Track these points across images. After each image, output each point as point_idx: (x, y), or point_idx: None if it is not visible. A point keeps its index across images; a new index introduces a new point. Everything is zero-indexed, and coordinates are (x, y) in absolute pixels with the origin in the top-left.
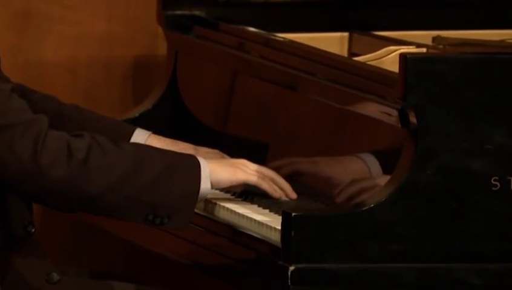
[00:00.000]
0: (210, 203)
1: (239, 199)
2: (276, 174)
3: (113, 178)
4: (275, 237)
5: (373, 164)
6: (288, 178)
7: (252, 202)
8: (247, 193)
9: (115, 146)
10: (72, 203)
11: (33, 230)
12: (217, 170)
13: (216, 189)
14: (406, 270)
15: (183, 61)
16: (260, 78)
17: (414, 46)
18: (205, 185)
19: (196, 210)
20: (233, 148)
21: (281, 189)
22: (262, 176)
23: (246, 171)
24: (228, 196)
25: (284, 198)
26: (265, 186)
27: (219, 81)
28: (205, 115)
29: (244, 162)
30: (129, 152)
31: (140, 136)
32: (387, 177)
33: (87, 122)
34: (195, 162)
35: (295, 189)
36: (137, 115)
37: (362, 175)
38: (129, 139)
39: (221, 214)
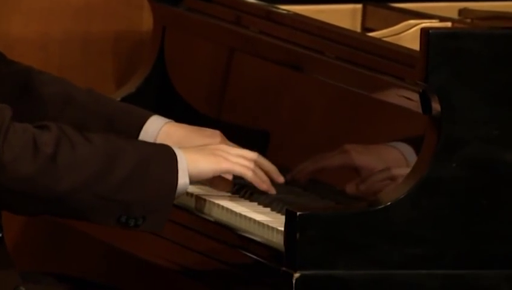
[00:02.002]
0: (202, 200)
1: (236, 196)
2: (259, 156)
3: (83, 175)
4: (278, 240)
5: (408, 151)
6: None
7: (251, 199)
8: (243, 188)
9: (85, 139)
10: (37, 205)
11: (0, 235)
12: (197, 160)
13: (199, 182)
14: (429, 278)
15: (171, 38)
16: (260, 57)
17: (437, 20)
18: (183, 180)
19: (187, 209)
20: (229, 138)
21: (267, 172)
22: (248, 165)
23: (229, 159)
24: (222, 192)
25: (272, 192)
26: (251, 177)
27: (213, 61)
28: (197, 99)
29: (224, 147)
30: (100, 146)
31: (154, 125)
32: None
33: (98, 108)
34: (171, 155)
35: (298, 183)
36: (118, 99)
37: (399, 165)
38: (141, 126)
39: (216, 213)
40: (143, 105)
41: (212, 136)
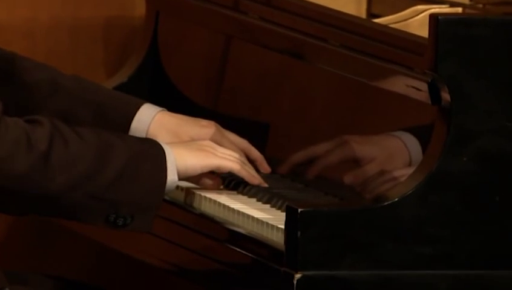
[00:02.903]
0: (198, 197)
1: (234, 192)
2: (245, 159)
3: (76, 174)
4: (278, 238)
5: (410, 141)
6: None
7: (249, 195)
8: (240, 184)
9: (77, 136)
10: (27, 204)
11: None
12: (184, 156)
13: (186, 178)
14: (439, 279)
15: (165, 24)
16: (260, 45)
17: (447, 6)
18: (171, 177)
19: (181, 205)
20: (226, 129)
21: (254, 160)
22: (236, 159)
23: (216, 154)
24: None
25: (263, 185)
26: (243, 172)
27: (209, 49)
28: (192, 89)
29: (211, 144)
30: (92, 143)
31: (147, 113)
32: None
33: (86, 95)
34: (159, 150)
35: (300, 179)
36: None
37: (400, 155)
38: (133, 115)
39: (212, 210)
40: (136, 95)
41: (207, 126)
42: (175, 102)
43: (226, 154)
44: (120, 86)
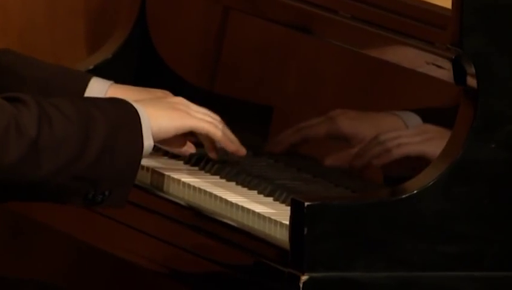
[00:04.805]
0: (192, 188)
1: (232, 183)
2: (222, 123)
3: (63, 158)
4: (282, 236)
5: (409, 118)
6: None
7: (250, 187)
8: (240, 173)
9: (60, 112)
10: (9, 193)
11: None
12: (158, 117)
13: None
14: (465, 281)
15: None
16: (262, 17)
17: None
18: (147, 142)
19: (173, 199)
20: (224, 113)
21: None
22: (213, 121)
23: (191, 114)
24: (216, 178)
25: (241, 153)
26: (219, 135)
27: (205, 21)
28: (185, 67)
29: (183, 101)
30: (74, 119)
31: (98, 89)
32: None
33: (27, 72)
34: (135, 115)
35: (307, 169)
36: (91, 67)
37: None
38: (82, 91)
39: (207, 204)
40: (121, 73)
41: (165, 98)
42: (166, 82)
43: (200, 113)
44: (103, 63)
